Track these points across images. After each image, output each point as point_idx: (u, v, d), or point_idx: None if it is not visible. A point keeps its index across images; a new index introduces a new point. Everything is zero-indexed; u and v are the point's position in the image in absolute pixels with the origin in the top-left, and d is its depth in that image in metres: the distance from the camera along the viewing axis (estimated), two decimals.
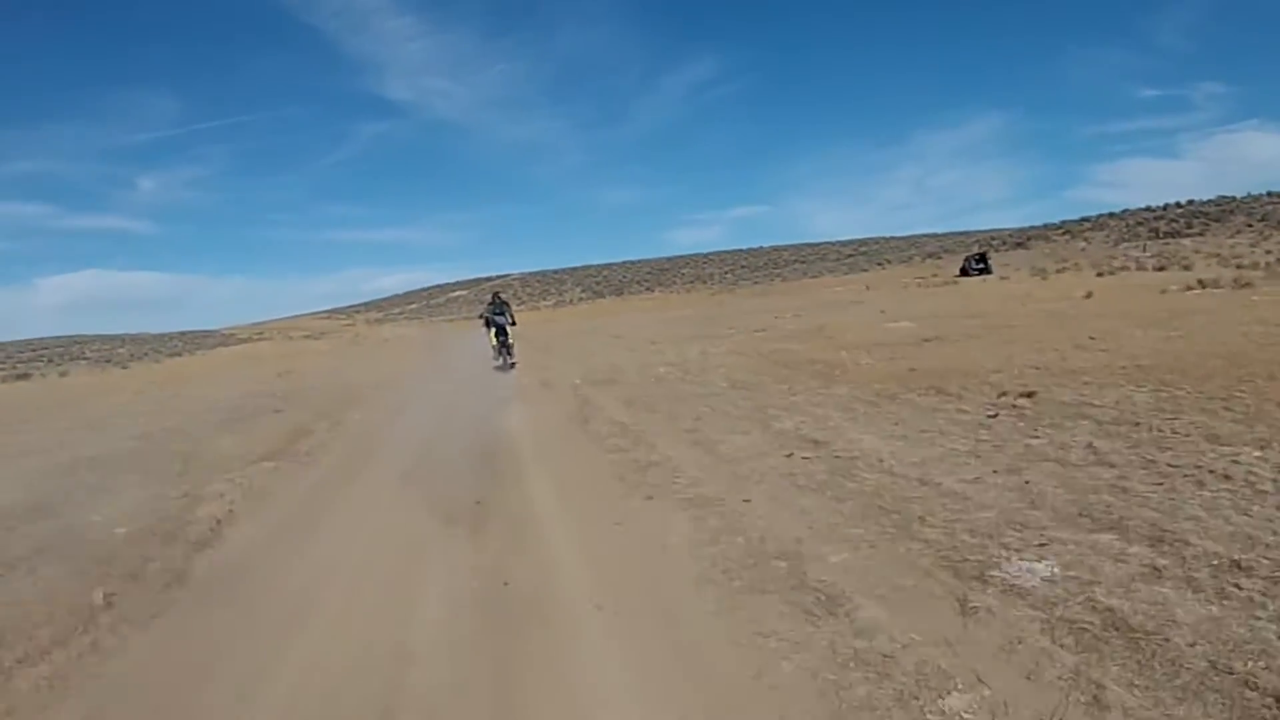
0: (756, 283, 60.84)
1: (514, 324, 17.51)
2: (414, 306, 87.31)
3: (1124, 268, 28.13)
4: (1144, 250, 34.80)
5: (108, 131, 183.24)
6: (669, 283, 70.86)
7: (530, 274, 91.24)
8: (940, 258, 51.13)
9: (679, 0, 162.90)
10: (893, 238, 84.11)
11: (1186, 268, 24.41)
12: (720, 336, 19.28)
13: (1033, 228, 54.35)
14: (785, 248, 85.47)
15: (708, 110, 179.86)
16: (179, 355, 43.34)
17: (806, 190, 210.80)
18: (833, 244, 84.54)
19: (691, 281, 70.12)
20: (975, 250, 43.23)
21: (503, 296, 18.51)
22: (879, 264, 59.38)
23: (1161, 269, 25.72)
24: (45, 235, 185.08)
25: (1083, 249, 40.83)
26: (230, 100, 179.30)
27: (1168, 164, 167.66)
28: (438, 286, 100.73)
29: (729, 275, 71.20)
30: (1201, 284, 16.70)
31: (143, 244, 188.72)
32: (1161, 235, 39.24)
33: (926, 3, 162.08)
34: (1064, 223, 50.85)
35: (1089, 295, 17.61)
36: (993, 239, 54.08)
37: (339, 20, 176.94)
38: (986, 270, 37.50)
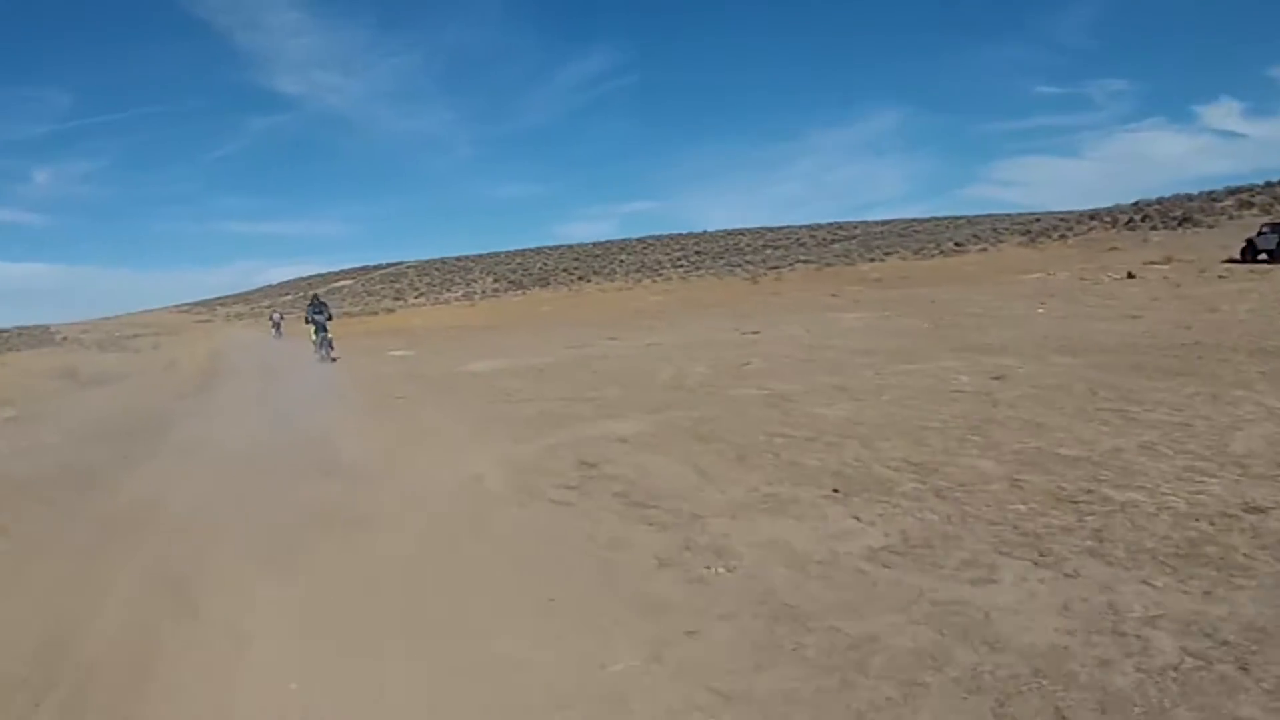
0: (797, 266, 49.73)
1: (330, 319, 19.33)
2: (288, 298, 72.27)
3: None
4: None
5: (0, 125, 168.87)
6: (606, 270, 58.92)
7: (428, 261, 77.14)
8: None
9: None
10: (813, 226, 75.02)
11: None
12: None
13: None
14: (829, 226, 75.20)
15: (598, 105, 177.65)
16: None
17: (698, 186, 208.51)
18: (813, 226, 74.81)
19: (656, 268, 58.34)
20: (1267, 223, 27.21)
21: (322, 299, 20.73)
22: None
23: None
24: None
25: None
26: (123, 94, 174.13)
27: (1068, 162, 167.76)
28: (319, 276, 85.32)
29: (722, 259, 59.91)
30: None
31: (34, 236, 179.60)
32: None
33: None
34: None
35: None
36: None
37: (230, 15, 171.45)
38: None
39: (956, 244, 48.36)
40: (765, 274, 47.46)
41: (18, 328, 59.26)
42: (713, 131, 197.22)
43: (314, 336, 18.73)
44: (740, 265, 55.88)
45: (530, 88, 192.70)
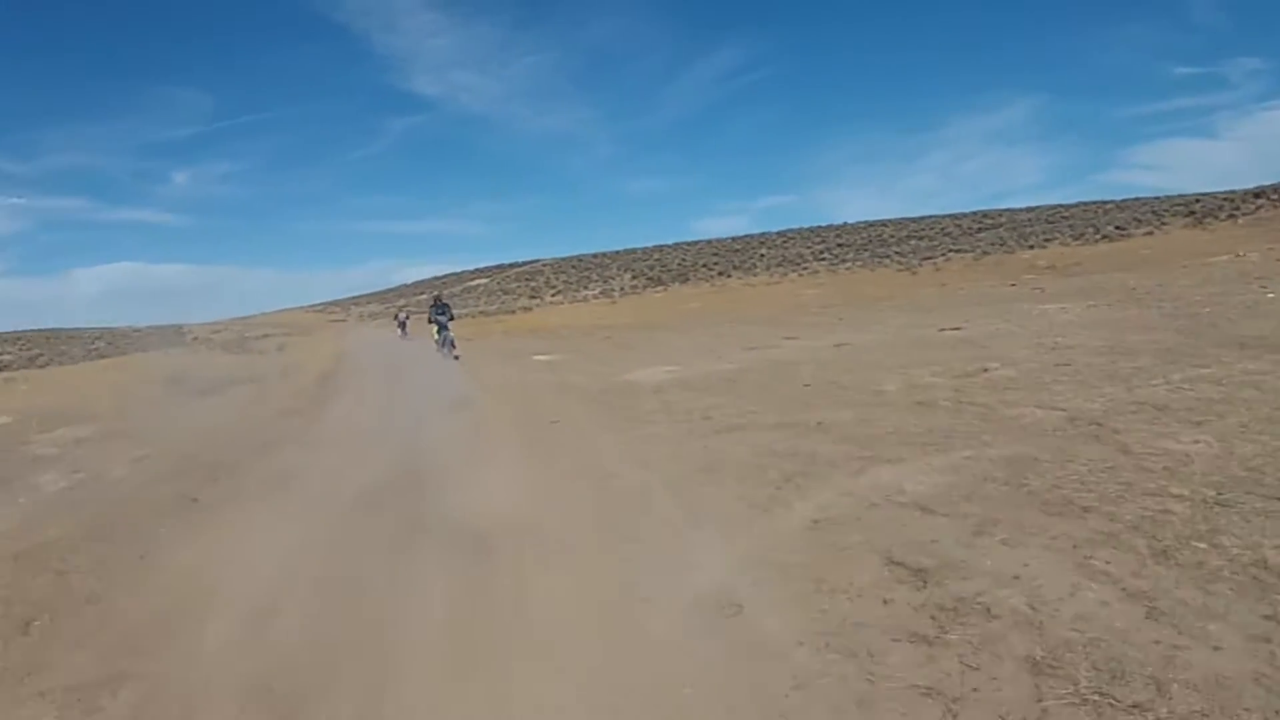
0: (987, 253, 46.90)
1: (452, 319, 19.76)
2: (423, 296, 73.85)
3: None
4: None
5: (143, 127, 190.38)
6: (747, 265, 56.88)
7: (564, 259, 77.14)
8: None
9: None
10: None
11: None
12: None
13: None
14: (972, 214, 71.68)
15: (735, 98, 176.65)
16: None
17: (833, 179, 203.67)
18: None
19: (799, 261, 55.99)
20: None
21: (444, 299, 21.02)
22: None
23: None
24: (82, 228, 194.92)
25: None
26: (262, 97, 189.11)
27: (1206, 144, 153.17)
28: (454, 275, 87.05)
29: (869, 251, 57.25)
30: None
31: (176, 236, 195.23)
32: None
33: None
34: None
35: None
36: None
37: (368, 17, 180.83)
38: None
39: (1118, 228, 44.73)
40: (919, 265, 44.54)
41: (153, 327, 61.23)
42: (847, 124, 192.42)
43: (436, 336, 19.42)
44: (889, 257, 52.89)
45: (665, 83, 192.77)
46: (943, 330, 14.70)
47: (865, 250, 59.27)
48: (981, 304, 21.19)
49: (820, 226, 73.62)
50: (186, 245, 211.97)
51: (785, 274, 50.47)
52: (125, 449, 9.97)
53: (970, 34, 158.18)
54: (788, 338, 16.62)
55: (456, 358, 18.44)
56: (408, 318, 34.46)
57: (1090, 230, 45.92)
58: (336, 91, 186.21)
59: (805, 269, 52.51)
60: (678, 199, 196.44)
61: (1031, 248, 43.70)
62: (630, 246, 76.25)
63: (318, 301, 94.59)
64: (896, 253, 54.59)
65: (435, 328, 19.39)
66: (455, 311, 19.88)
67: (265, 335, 44.74)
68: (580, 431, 8.83)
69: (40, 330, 58.59)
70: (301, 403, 14.21)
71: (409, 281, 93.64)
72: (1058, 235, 46.98)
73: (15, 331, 57.62)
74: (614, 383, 12.83)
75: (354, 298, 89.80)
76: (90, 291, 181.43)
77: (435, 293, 25.83)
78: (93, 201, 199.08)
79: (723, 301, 36.03)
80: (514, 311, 47.69)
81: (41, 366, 28.67)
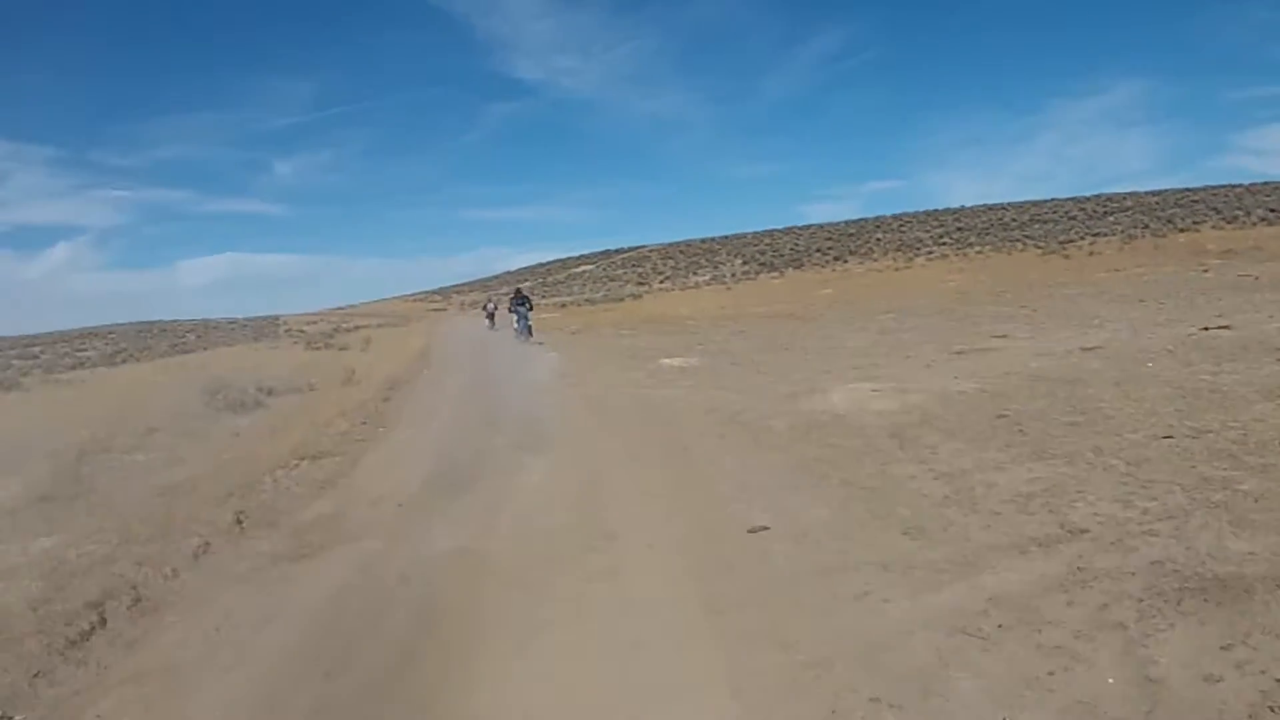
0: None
1: (531, 309, 23.18)
2: (526, 284, 73.14)
3: None
4: None
5: (246, 117, 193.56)
6: (864, 250, 53.92)
7: (671, 244, 75.18)
8: None
9: None
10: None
11: None
12: None
13: None
14: (1095, 198, 67.65)
15: (838, 81, 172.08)
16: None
17: (940, 163, 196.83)
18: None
19: (918, 246, 52.75)
20: None
21: (525, 292, 24.57)
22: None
23: None
24: (186, 219, 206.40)
25: None
26: (364, 85, 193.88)
27: None
28: (558, 261, 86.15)
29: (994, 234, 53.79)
30: None
31: (279, 226, 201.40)
32: None
33: None
34: None
35: None
36: None
37: (468, 3, 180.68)
38: None
39: (1272, 209, 41.14)
40: (1060, 248, 40.94)
41: (249, 319, 60.35)
42: (953, 106, 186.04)
43: (515, 325, 23.00)
44: (1018, 241, 49.32)
45: (768, 66, 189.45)
46: (1207, 329, 12.20)
47: (988, 234, 55.48)
48: (1204, 293, 18.39)
49: (936, 210, 69.72)
50: (290, 235, 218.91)
51: (907, 259, 47.48)
52: (72, 522, 6.63)
53: (1076, 14, 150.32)
54: (997, 336, 14.29)
55: (538, 342, 21.23)
56: (496, 308, 32.37)
57: (1240, 213, 42.66)
58: (438, 78, 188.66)
59: (928, 253, 49.34)
60: (782, 184, 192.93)
61: (1182, 230, 40.04)
62: (739, 231, 73.86)
63: (421, 290, 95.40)
64: (1026, 236, 50.99)
65: (515, 317, 23.10)
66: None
67: (356, 327, 42.51)
68: (824, 572, 4.57)
69: (142, 323, 59.37)
70: (352, 424, 10.63)
71: (513, 268, 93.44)
72: (1205, 218, 43.33)
73: (113, 325, 58.90)
74: (805, 413, 8.85)
75: (456, 286, 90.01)
76: (196, 283, 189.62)
77: (516, 286, 30.05)
78: (197, 193, 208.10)
79: (857, 289, 33.42)
80: (622, 299, 45.59)
81: (118, 364, 28.37)
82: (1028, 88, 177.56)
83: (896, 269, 41.68)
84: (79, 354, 34.30)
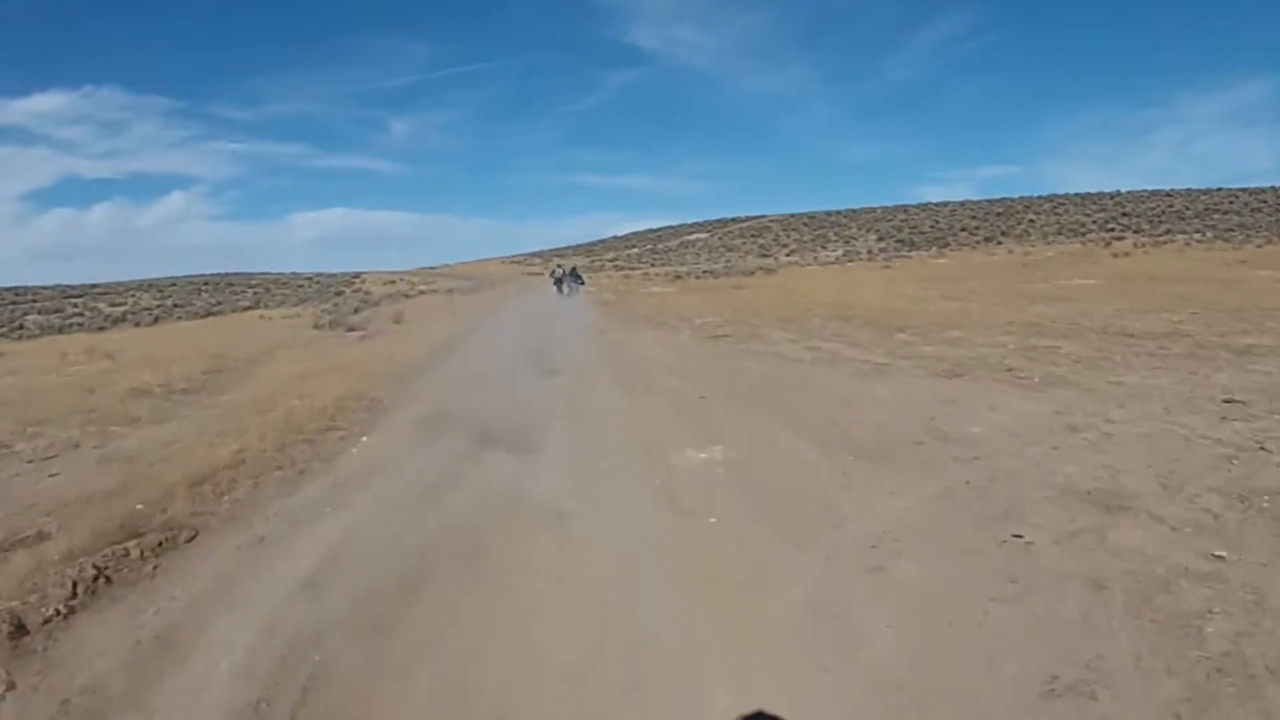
0: None
1: (583, 283, 30.24)
2: (634, 251, 70.32)
3: None
4: None
5: (362, 76, 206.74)
6: (1017, 232, 49.12)
7: (794, 215, 71.35)
8: None
9: None
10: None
11: None
12: None
13: None
14: (1232, 190, 61.48)
15: (958, 65, 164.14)
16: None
17: (1059, 152, 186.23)
18: None
19: (1079, 230, 47.79)
20: None
21: (578, 270, 32.49)
22: None
23: None
24: (300, 174, 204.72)
25: None
26: (480, 47, 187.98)
27: None
28: (669, 228, 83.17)
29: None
30: None
31: (391, 184, 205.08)
32: None
33: None
34: None
35: None
36: None
37: None
38: None
39: None
40: (1264, 242, 35.80)
41: (324, 276, 57.12)
42: (1075, 95, 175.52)
43: (564, 289, 28.64)
44: (1198, 231, 44.13)
45: (887, 47, 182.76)
46: None
47: (1161, 222, 50.04)
48: None
49: (1095, 193, 63.92)
50: (402, 193, 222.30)
51: (1073, 243, 42.68)
52: None
53: (1205, 8, 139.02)
54: None
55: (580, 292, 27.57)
56: (564, 274, 30.69)
57: None
58: (554, 43, 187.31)
59: (1095, 239, 44.42)
60: (897, 165, 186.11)
61: None
62: (867, 205, 69.51)
63: (526, 251, 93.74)
64: (1209, 227, 45.74)
65: (564, 286, 28.84)
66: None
67: (420, 292, 38.73)
68: None
69: (239, 275, 58.69)
70: (332, 439, 6.78)
71: (622, 234, 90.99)
72: None
73: (210, 275, 58.10)
74: None
75: (561, 249, 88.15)
76: (305, 236, 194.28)
77: (571, 265, 35.18)
78: (311, 148, 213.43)
79: (1118, 277, 28.58)
80: (752, 272, 38.29)
81: (159, 321, 27.01)
82: (1150, 81, 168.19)
83: (1066, 256, 36.60)
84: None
